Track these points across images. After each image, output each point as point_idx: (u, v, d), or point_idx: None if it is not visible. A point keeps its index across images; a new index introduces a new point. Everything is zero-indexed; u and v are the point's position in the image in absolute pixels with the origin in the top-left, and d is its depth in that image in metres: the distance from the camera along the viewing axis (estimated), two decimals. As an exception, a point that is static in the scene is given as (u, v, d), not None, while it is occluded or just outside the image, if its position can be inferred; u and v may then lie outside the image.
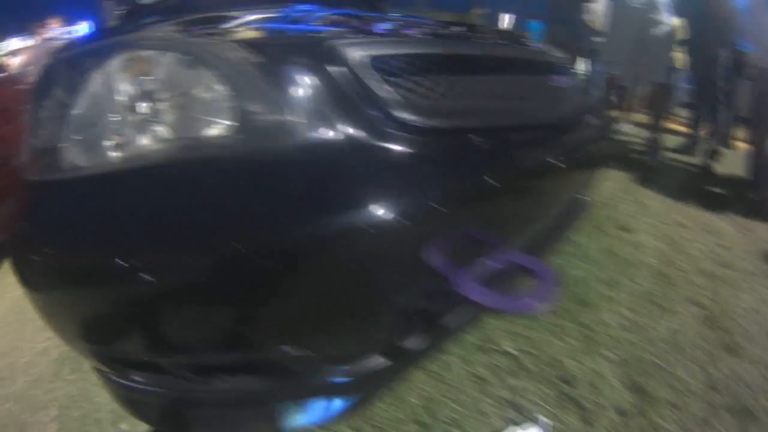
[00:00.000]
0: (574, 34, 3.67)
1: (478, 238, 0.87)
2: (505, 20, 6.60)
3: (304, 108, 0.75)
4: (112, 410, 1.16)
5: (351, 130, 0.76)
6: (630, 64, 3.25)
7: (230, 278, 0.67)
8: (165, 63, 0.75)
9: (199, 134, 0.74)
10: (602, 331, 1.30)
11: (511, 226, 1.00)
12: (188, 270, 0.67)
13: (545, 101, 1.23)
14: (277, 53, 0.79)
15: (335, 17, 1.17)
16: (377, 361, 0.84)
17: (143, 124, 0.74)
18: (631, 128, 3.91)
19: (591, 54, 3.73)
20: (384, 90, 0.81)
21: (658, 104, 3.38)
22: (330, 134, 0.74)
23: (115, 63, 0.76)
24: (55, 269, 0.75)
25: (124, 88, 0.75)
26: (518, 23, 6.44)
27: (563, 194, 1.25)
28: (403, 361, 0.89)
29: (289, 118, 0.73)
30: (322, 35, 0.88)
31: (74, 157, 0.75)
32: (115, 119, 0.75)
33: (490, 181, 0.84)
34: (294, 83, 0.76)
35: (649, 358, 1.21)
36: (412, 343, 0.87)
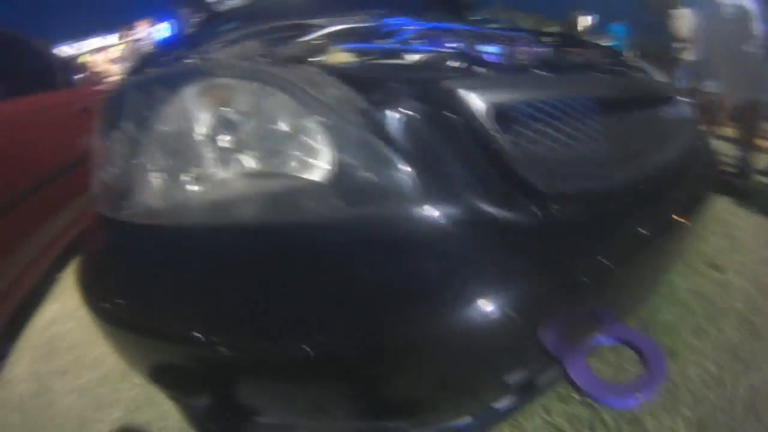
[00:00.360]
0: (659, 41, 3.40)
1: (593, 313, 0.76)
2: (587, 21, 6.33)
3: (416, 168, 0.64)
4: (178, 420, 1.16)
5: (472, 198, 0.65)
6: (721, 79, 2.98)
7: (324, 365, 0.58)
8: (247, 93, 0.67)
9: (287, 175, 0.64)
10: (684, 387, 1.18)
11: (627, 294, 0.87)
12: (272, 355, 0.58)
13: (666, 143, 1.08)
14: (383, 94, 0.68)
15: (430, 33, 1.10)
16: (466, 420, 0.76)
17: (224, 158, 0.66)
18: (719, 144, 3.59)
19: (675, 62, 3.48)
20: (510, 146, 0.69)
21: (750, 122, 3.08)
22: (447, 203, 0.63)
23: (191, 91, 0.68)
24: (119, 313, 0.69)
25: (202, 119, 0.67)
26: (600, 25, 6.16)
27: (679, 247, 1.09)
28: (491, 420, 0.81)
29: (397, 179, 0.63)
30: (435, 69, 0.79)
31: (147, 196, 0.68)
32: (191, 153, 0.66)
33: (615, 251, 0.73)
34: (404, 135, 0.65)
35: (725, 421, 1.10)
36: (503, 404, 0.79)
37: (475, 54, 0.92)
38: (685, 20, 3.33)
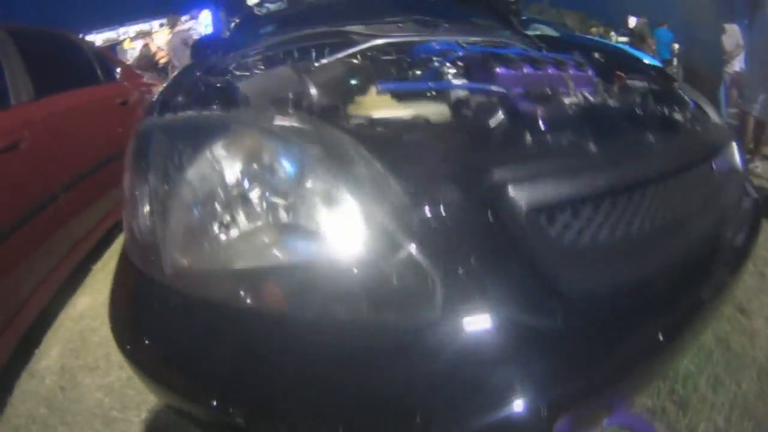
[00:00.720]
0: (709, 56, 3.18)
1: (607, 401, 0.73)
2: (632, 22, 6.21)
3: (445, 272, 0.61)
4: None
5: (501, 304, 0.62)
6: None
7: None
8: (277, 151, 0.66)
9: (311, 254, 0.63)
10: (689, 441, 1.16)
11: (654, 375, 0.85)
12: None
13: (713, 207, 1.01)
14: (416, 182, 0.65)
15: (476, 58, 1.08)
16: None
17: (250, 215, 0.64)
18: (762, 165, 3.41)
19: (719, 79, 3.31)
20: (547, 249, 0.67)
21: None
22: (474, 310, 0.61)
23: (221, 144, 0.67)
24: (142, 358, 0.71)
25: (231, 174, 0.65)
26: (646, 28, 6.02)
27: (717, 310, 1.01)
28: None
29: (422, 283, 0.60)
30: (475, 144, 0.76)
31: (175, 257, 0.66)
32: (220, 212, 0.65)
33: (649, 340, 0.71)
34: (435, 234, 0.62)
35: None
36: None
37: (520, 105, 0.89)
38: (732, 36, 3.17)
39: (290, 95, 0.91)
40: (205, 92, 1.02)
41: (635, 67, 1.65)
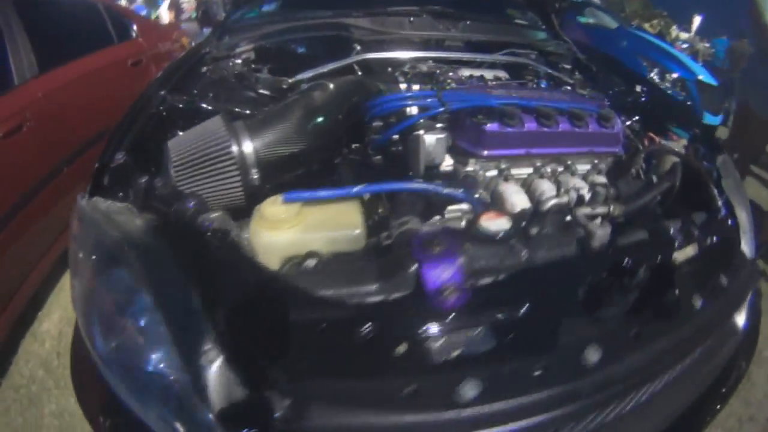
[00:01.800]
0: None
1: None
2: (695, 22, 5.58)
3: None
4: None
5: None
6: None
7: None
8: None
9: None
10: None
11: None
12: None
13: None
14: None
15: (453, 124, 1.01)
16: None
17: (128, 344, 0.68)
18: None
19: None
20: None
21: None
22: None
23: (127, 256, 0.71)
24: (94, 414, 0.82)
25: (132, 285, 0.69)
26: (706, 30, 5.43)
27: None
28: None
29: None
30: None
31: (96, 342, 0.71)
32: (122, 314, 0.69)
33: None
34: None
35: None
36: None
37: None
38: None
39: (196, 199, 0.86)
40: (147, 146, 1.04)
41: (676, 116, 1.47)
